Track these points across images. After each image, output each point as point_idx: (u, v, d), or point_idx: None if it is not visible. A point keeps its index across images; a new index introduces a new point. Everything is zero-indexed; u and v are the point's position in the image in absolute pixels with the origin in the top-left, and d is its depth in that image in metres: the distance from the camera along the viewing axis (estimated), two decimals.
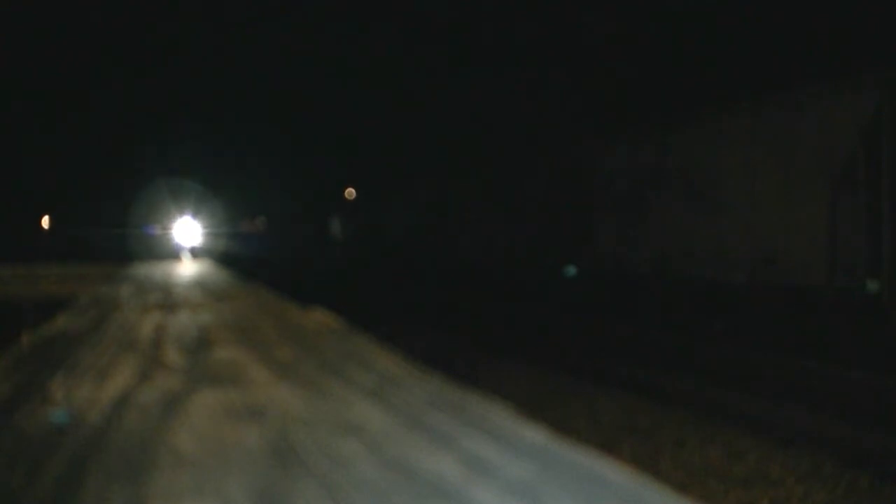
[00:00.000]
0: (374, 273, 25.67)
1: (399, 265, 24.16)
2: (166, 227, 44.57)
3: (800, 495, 5.20)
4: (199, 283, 2.68)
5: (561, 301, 14.11)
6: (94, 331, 1.58)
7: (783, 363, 8.90)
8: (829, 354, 8.63)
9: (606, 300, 12.95)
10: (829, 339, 8.76)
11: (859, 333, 8.40)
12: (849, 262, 8.41)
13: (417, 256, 22.49)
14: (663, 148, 11.55)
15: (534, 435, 0.63)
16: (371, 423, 0.71)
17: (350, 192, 36.73)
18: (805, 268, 8.95)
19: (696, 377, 8.61)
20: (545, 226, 15.06)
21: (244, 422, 0.74)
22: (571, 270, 14.07)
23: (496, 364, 9.59)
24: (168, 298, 2.13)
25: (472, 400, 0.81)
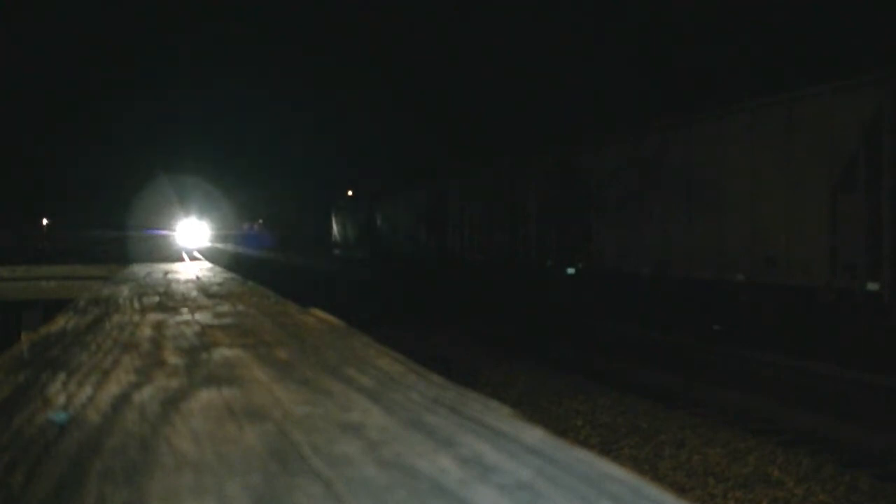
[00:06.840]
0: (375, 273, 25.68)
1: (399, 265, 24.18)
2: (168, 228, 44.62)
3: (800, 496, 5.20)
4: (201, 284, 2.69)
5: (560, 301, 14.12)
6: (95, 331, 1.59)
7: (783, 363, 8.91)
8: (829, 354, 8.64)
9: (606, 300, 12.96)
10: (829, 339, 8.76)
11: (859, 333, 8.40)
12: (849, 262, 8.41)
13: (417, 256, 22.51)
14: (663, 148, 11.55)
15: (533, 435, 0.64)
16: (370, 421, 0.71)
17: (350, 194, 36.76)
18: (805, 268, 8.94)
19: (695, 377, 8.62)
20: (545, 225, 15.06)
21: (245, 420, 0.74)
22: (571, 270, 14.07)
23: (495, 364, 9.59)
24: (169, 299, 2.14)
25: (471, 400, 0.82)
